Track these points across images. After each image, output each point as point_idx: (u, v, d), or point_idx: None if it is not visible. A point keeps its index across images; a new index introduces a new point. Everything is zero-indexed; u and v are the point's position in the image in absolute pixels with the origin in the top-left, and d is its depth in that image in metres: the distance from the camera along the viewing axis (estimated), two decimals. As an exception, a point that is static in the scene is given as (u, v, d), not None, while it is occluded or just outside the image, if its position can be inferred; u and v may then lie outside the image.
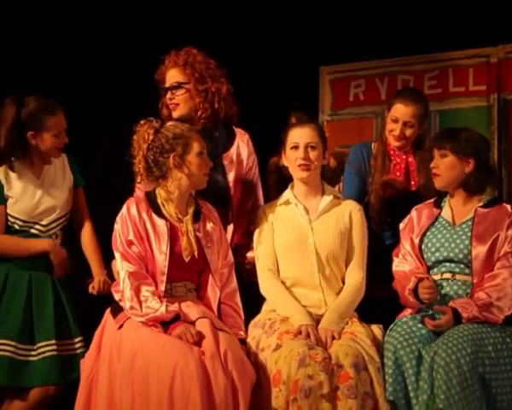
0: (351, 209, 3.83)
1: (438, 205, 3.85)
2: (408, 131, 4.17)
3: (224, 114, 4.02)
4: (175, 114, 4.01)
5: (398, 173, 4.20)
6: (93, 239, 4.12)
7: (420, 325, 3.59)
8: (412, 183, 4.19)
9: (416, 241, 3.80)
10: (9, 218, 3.97)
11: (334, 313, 3.65)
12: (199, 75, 3.98)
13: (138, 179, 3.72)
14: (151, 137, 3.68)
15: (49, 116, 3.96)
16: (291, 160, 3.79)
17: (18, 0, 5.07)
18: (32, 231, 3.98)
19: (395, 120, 4.18)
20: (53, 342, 3.90)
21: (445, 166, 3.75)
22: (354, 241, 3.80)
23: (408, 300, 3.71)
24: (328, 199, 3.81)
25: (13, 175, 3.99)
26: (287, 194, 3.87)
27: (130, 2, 5.31)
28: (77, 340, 3.97)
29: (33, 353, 3.90)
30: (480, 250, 3.66)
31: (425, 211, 3.86)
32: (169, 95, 4.01)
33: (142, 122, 3.72)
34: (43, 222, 4.00)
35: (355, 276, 3.77)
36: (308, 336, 3.49)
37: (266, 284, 3.76)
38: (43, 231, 4.00)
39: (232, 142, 4.06)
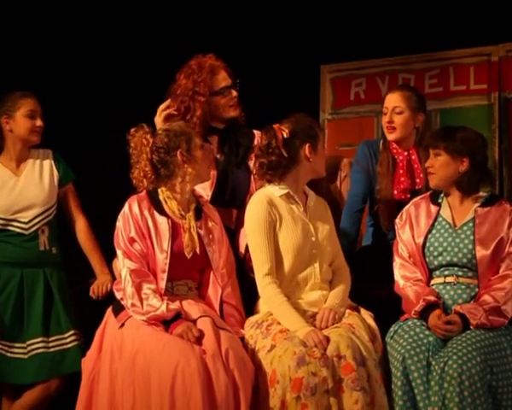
0: (325, 203, 3.87)
1: (435, 201, 3.81)
2: (396, 118, 4.14)
3: None
4: (237, 113, 4.09)
5: (401, 171, 4.17)
6: (90, 236, 4.12)
7: (427, 332, 3.56)
8: (417, 181, 4.16)
9: (419, 241, 3.77)
10: None
11: (336, 299, 3.67)
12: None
13: (144, 183, 3.70)
14: (151, 140, 3.70)
15: (19, 97, 4.00)
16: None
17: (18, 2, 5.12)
18: (14, 228, 3.97)
19: (385, 112, 4.19)
20: (40, 339, 3.91)
21: (438, 164, 3.73)
22: (334, 232, 3.83)
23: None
24: (313, 197, 3.81)
25: None
26: (280, 186, 3.76)
27: (125, 6, 5.34)
28: (68, 334, 3.97)
29: (23, 350, 3.92)
30: (483, 254, 3.64)
31: (422, 206, 3.82)
32: (234, 93, 4.07)
33: (133, 129, 3.74)
34: (24, 219, 3.98)
35: (342, 260, 3.81)
36: (318, 343, 3.44)
37: (265, 292, 3.66)
38: (25, 228, 3.98)
39: (253, 141, 4.08)
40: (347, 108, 5.55)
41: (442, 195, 3.80)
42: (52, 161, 4.11)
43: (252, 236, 3.71)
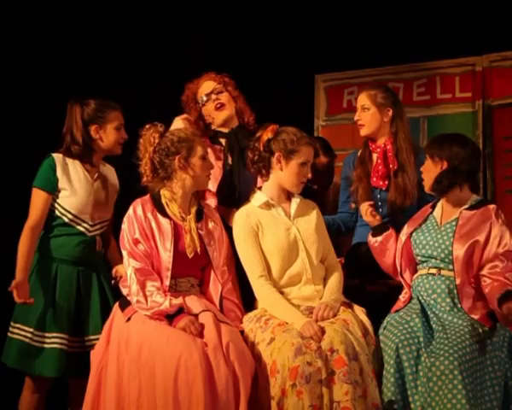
0: (313, 206, 3.98)
1: (433, 205, 3.95)
2: (363, 115, 4.33)
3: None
4: (227, 113, 4.24)
5: (378, 161, 4.33)
6: (118, 253, 4.10)
7: (419, 324, 3.63)
8: (390, 166, 4.30)
9: (404, 238, 3.90)
10: (60, 209, 4.00)
11: (331, 295, 3.79)
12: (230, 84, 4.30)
13: (144, 179, 3.81)
14: (157, 141, 3.77)
15: (110, 110, 4.06)
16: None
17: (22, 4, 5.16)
18: (80, 228, 4.02)
19: (356, 111, 4.41)
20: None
21: (425, 169, 3.87)
22: (323, 231, 3.94)
23: (383, 263, 4.01)
24: (297, 200, 3.92)
25: (71, 170, 4.02)
26: (261, 196, 3.89)
27: (125, 9, 5.40)
28: None
29: (86, 344, 3.97)
30: (459, 253, 3.72)
31: (419, 215, 3.98)
32: (214, 97, 4.23)
33: (147, 126, 3.82)
34: (91, 222, 4.04)
35: (334, 258, 3.93)
36: (313, 334, 3.54)
37: (261, 292, 3.76)
38: (89, 230, 4.04)
39: None
40: (340, 115, 5.64)
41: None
42: (116, 176, 4.22)
43: (239, 247, 3.83)
